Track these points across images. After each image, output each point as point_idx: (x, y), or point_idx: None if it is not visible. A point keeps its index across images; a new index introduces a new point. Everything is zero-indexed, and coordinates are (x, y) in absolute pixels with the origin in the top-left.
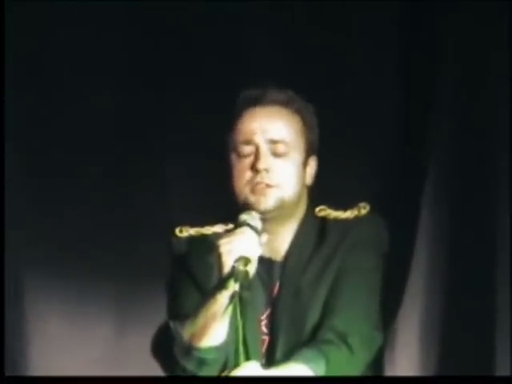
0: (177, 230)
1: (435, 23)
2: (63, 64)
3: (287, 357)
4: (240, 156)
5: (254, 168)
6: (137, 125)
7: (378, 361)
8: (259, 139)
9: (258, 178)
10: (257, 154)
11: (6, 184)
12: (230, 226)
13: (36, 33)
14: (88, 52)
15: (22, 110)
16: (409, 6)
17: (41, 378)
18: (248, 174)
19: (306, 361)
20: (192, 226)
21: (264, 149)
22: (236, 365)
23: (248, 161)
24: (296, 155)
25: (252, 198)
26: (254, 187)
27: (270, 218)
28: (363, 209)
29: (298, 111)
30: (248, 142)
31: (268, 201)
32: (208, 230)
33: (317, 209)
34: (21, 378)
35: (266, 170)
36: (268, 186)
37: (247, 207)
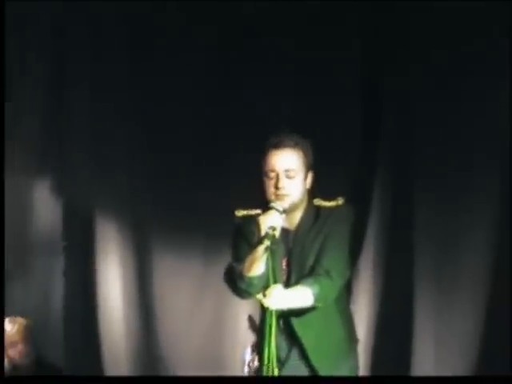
0: (236, 212)
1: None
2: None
3: (297, 282)
4: (268, 178)
5: (276, 186)
6: (212, 144)
7: (348, 285)
8: (278, 169)
9: (279, 192)
10: (277, 178)
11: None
12: (264, 210)
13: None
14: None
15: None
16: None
17: (41, 377)
18: (272, 189)
19: (308, 284)
20: (244, 209)
21: (282, 175)
22: (269, 286)
23: (272, 182)
24: (301, 175)
25: (276, 202)
26: (276, 196)
27: (287, 210)
28: (340, 201)
29: (302, 149)
30: (272, 171)
31: (284, 204)
32: (253, 211)
33: (314, 200)
34: (21, 377)
35: (283, 188)
36: (285, 195)
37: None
